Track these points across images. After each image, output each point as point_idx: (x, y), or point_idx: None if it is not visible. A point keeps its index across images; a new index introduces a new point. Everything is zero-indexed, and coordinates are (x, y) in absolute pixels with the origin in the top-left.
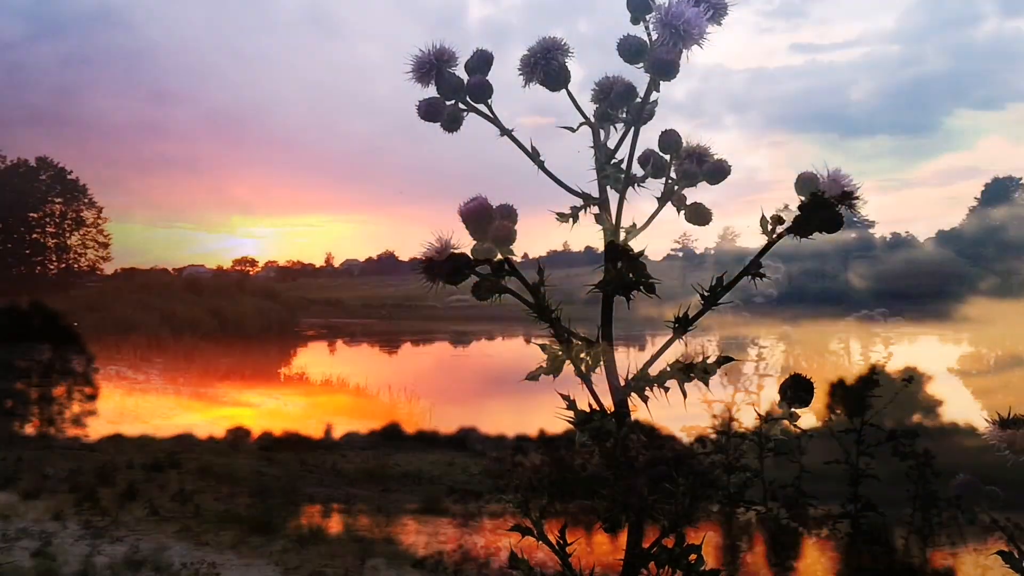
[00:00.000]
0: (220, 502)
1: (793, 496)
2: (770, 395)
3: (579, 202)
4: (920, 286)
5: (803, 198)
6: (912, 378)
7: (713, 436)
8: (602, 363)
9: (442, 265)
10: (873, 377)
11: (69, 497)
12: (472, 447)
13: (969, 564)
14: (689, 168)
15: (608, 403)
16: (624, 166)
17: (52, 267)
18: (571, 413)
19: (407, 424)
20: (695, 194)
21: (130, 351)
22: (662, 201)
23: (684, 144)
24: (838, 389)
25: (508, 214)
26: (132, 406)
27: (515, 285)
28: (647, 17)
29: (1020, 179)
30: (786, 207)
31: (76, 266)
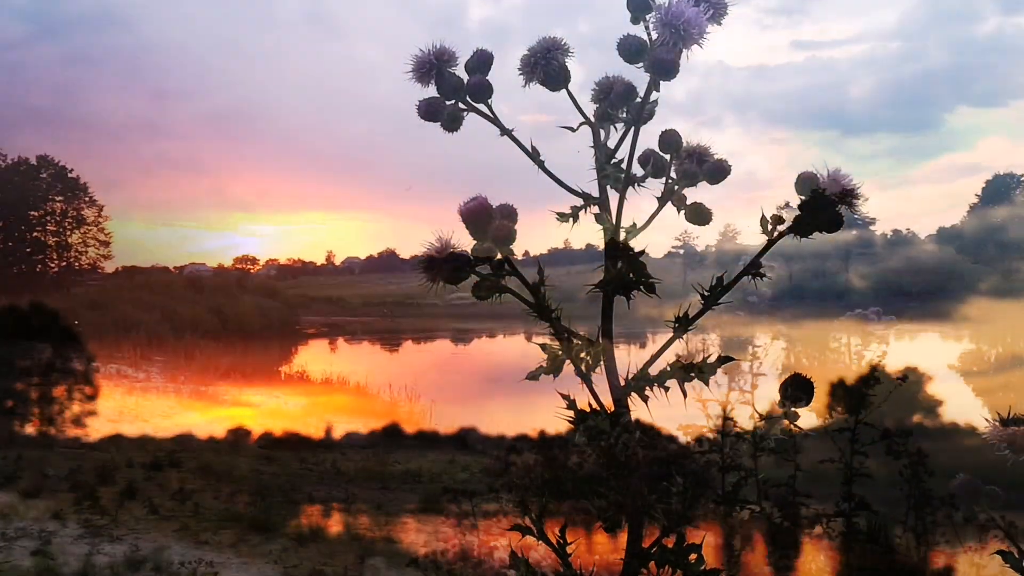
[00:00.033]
0: (220, 501)
1: (785, 495)
2: (764, 394)
3: (579, 202)
4: (921, 283)
5: (803, 198)
6: (907, 377)
7: (711, 436)
8: (602, 362)
9: (442, 265)
10: (874, 374)
11: (69, 496)
12: (472, 446)
13: (964, 563)
14: (689, 168)
15: (608, 402)
16: (624, 166)
17: (53, 265)
18: (571, 413)
19: (407, 423)
20: (695, 193)
21: (131, 350)
22: (662, 201)
23: (684, 144)
24: (838, 388)
25: (508, 214)
26: (132, 405)
27: (515, 285)
28: (647, 17)
29: (1021, 176)
30: (787, 204)
31: (77, 264)
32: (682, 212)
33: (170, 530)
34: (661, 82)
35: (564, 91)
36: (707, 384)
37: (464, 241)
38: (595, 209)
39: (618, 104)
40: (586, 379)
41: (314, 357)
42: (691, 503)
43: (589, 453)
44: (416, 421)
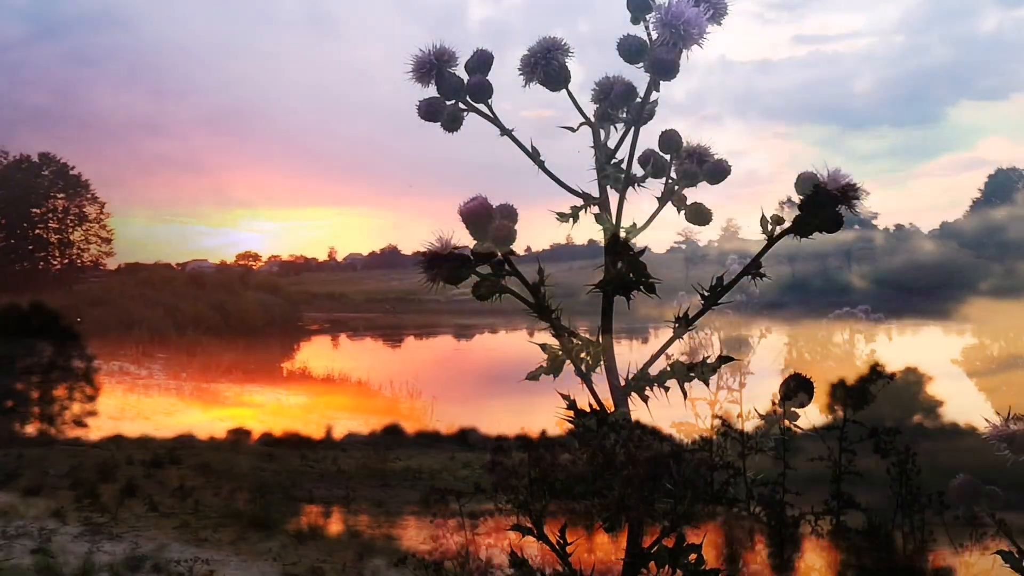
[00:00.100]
0: (220, 498)
1: (769, 494)
2: (753, 393)
3: (579, 201)
4: (923, 279)
5: (803, 196)
6: (894, 376)
7: (706, 435)
8: (602, 362)
9: (442, 265)
10: (876, 370)
11: (69, 494)
12: (473, 444)
13: (954, 562)
14: (689, 168)
15: (608, 402)
16: (624, 166)
17: (55, 263)
18: (571, 412)
19: (408, 420)
20: (695, 193)
21: (133, 347)
22: (662, 201)
23: (684, 144)
24: (838, 388)
25: (508, 214)
26: (134, 404)
27: (515, 284)
28: (647, 17)
29: None
30: (788, 200)
31: (79, 261)
32: (682, 212)
33: (170, 527)
34: (661, 82)
35: (564, 91)
36: (707, 384)
37: (465, 240)
38: (595, 209)
39: (618, 104)
40: (586, 379)
41: (316, 353)
42: (689, 503)
43: (581, 452)
44: (417, 417)
